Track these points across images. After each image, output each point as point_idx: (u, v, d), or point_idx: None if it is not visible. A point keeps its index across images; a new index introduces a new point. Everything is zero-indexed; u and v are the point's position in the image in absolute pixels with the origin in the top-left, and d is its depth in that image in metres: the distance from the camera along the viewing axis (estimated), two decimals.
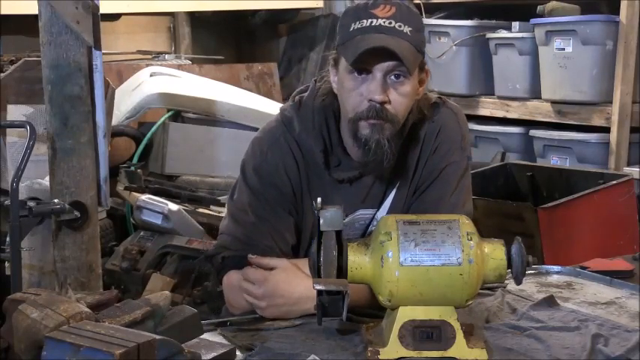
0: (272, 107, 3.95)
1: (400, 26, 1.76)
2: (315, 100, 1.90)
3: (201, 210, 3.58)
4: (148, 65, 4.67)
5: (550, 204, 2.83)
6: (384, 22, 1.76)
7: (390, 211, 1.90)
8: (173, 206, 3.44)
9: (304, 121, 1.89)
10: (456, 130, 1.93)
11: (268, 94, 4.79)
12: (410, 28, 1.77)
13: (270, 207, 1.88)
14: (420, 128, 1.91)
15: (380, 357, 1.47)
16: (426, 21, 4.33)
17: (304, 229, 1.91)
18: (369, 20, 1.76)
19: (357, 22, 1.77)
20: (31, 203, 2.51)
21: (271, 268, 1.78)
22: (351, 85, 1.78)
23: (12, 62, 3.69)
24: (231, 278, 1.85)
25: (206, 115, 4.09)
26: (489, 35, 4.05)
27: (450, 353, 1.47)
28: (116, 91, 3.26)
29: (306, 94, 1.94)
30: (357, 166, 1.87)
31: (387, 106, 1.76)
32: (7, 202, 2.44)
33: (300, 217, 1.91)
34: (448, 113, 1.95)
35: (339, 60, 1.81)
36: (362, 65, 1.75)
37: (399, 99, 1.78)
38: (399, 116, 1.80)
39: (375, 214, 1.92)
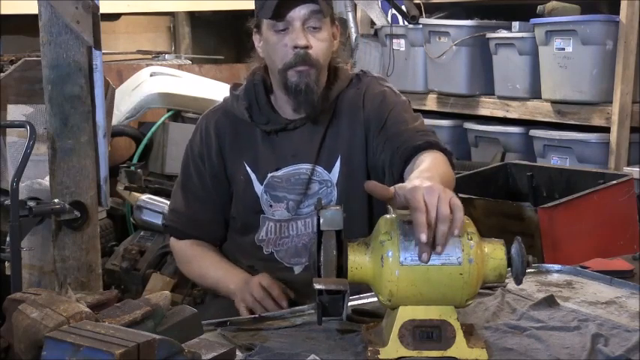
0: None
1: None
2: (251, 75, 2.13)
3: None
4: (148, 65, 4.67)
5: (550, 204, 2.82)
6: None
7: (342, 170, 2.05)
8: None
9: (235, 94, 2.13)
10: (379, 89, 2.10)
11: None
12: None
13: (196, 179, 2.14)
14: (345, 95, 2.09)
15: (380, 357, 1.47)
16: (426, 21, 4.34)
17: (235, 191, 2.12)
18: None
19: None
20: (31, 203, 2.51)
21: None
22: (275, 39, 1.98)
23: (12, 62, 3.70)
24: (171, 243, 2.24)
25: None
26: (489, 35, 4.05)
27: (450, 353, 1.47)
28: (116, 91, 3.26)
29: None
30: (285, 122, 2.07)
31: (310, 52, 1.96)
32: (7, 202, 2.44)
33: (227, 183, 2.12)
34: (370, 80, 2.13)
35: (261, 24, 2.03)
36: (280, 18, 1.95)
37: (319, 44, 1.98)
38: (321, 61, 1.99)
39: (313, 169, 2.06)
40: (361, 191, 1.99)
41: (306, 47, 1.96)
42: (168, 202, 3.48)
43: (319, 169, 2.06)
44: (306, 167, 2.06)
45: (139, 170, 3.83)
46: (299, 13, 1.95)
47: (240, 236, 2.15)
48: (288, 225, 2.08)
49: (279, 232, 2.08)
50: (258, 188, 2.08)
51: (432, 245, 1.41)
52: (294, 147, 2.07)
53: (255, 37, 2.07)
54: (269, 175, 2.07)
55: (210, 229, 2.17)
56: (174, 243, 2.23)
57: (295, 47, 1.95)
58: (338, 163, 2.06)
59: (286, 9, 1.95)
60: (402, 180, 1.78)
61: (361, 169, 2.06)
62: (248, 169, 2.09)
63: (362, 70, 2.18)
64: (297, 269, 2.07)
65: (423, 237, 1.38)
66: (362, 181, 1.99)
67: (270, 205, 2.07)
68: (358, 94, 2.09)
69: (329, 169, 2.06)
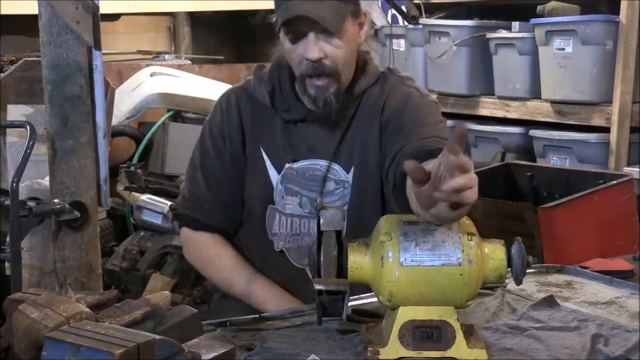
0: None
1: None
2: (276, 60, 2.06)
3: None
4: (148, 65, 4.67)
5: (550, 204, 2.82)
6: None
7: (357, 171, 1.99)
8: None
9: (259, 76, 2.07)
10: (405, 90, 2.01)
11: None
12: None
13: (217, 159, 2.07)
14: (371, 92, 2.02)
15: (380, 357, 1.47)
16: (426, 21, 4.34)
17: (249, 175, 2.05)
18: None
19: None
20: (31, 203, 2.51)
21: None
22: (290, 47, 1.93)
23: (12, 62, 3.70)
24: (185, 234, 2.12)
25: (206, 115, 4.09)
26: (489, 35, 4.05)
27: (450, 353, 1.47)
28: (116, 91, 3.26)
29: None
30: (305, 112, 2.00)
31: (325, 61, 1.90)
32: (7, 202, 2.44)
33: (245, 164, 2.05)
34: (396, 80, 2.05)
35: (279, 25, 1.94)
36: (291, 33, 1.90)
37: (335, 51, 1.90)
38: (339, 67, 1.92)
39: (329, 165, 1.99)
40: (374, 193, 1.99)
41: (320, 59, 1.89)
42: (168, 203, 3.49)
43: (336, 167, 2.00)
44: (322, 163, 2.00)
45: (139, 170, 3.83)
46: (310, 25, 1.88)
47: (247, 227, 2.08)
48: (300, 222, 2.02)
49: (290, 228, 2.02)
50: (275, 177, 2.02)
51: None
52: (311, 140, 2.01)
53: (280, 36, 1.99)
54: (286, 165, 2.01)
55: (230, 216, 2.08)
56: (190, 234, 2.10)
57: (307, 59, 1.90)
58: (354, 164, 2.00)
59: (295, 25, 1.89)
60: (404, 180, 1.72)
61: (375, 170, 1.99)
62: (264, 154, 2.03)
63: (389, 68, 2.10)
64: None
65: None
66: (375, 183, 1.98)
67: (283, 197, 2.02)
68: (382, 93, 2.01)
69: (347, 169, 2.00)
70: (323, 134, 2.00)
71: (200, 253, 2.11)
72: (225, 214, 2.08)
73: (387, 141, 1.94)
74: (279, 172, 2.02)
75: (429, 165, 1.38)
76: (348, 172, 2.00)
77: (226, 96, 2.11)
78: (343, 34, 1.90)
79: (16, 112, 2.90)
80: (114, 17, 5.12)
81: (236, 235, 2.12)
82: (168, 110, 4.25)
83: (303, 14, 1.85)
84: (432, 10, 4.56)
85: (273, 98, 2.02)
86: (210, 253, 2.09)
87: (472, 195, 1.33)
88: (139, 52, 5.14)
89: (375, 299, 1.62)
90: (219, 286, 2.12)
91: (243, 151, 2.05)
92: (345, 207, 1.99)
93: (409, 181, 1.67)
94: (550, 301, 1.77)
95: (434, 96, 4.41)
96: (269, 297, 1.99)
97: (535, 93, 3.90)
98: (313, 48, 1.88)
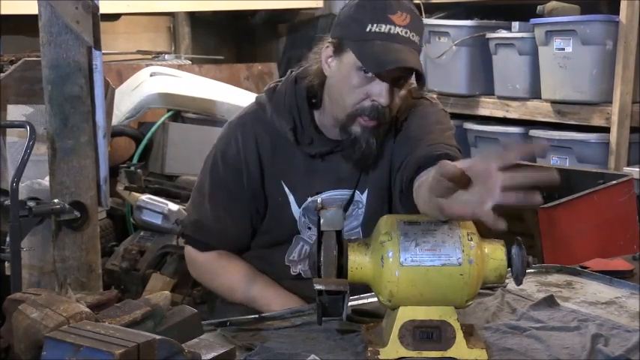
0: None
1: (413, 36, 1.80)
2: (292, 83, 1.95)
3: None
4: (148, 65, 4.67)
5: (550, 204, 2.82)
6: (402, 32, 1.79)
7: (371, 192, 1.95)
8: (173, 206, 3.44)
9: (276, 104, 1.95)
10: (412, 102, 1.96)
11: None
12: (418, 37, 1.82)
13: (229, 192, 1.99)
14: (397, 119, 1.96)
15: (380, 357, 1.47)
16: (426, 21, 4.33)
17: (270, 209, 1.99)
18: (388, 27, 1.78)
19: (375, 25, 1.78)
20: (31, 203, 2.50)
21: None
22: (357, 83, 1.81)
23: (12, 62, 3.69)
24: (189, 254, 2.08)
25: (206, 115, 4.10)
26: (489, 35, 4.05)
27: (450, 353, 1.47)
28: (116, 91, 3.26)
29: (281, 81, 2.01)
30: (330, 144, 1.93)
31: (387, 108, 1.82)
32: (7, 202, 2.44)
33: (264, 199, 1.98)
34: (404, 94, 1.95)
35: (344, 49, 1.83)
36: (374, 73, 1.79)
37: (398, 101, 1.86)
38: (393, 113, 1.87)
39: (353, 194, 1.96)
40: (384, 208, 1.96)
41: (388, 106, 1.82)
42: (168, 203, 3.49)
43: (357, 192, 1.97)
44: (347, 192, 1.96)
45: (139, 170, 3.82)
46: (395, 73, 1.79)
47: (266, 250, 2.05)
48: None
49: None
50: (296, 211, 1.97)
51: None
52: (339, 171, 1.95)
53: (327, 52, 1.87)
54: (309, 199, 1.95)
55: (237, 242, 2.05)
56: (195, 255, 2.07)
57: (374, 100, 1.81)
58: (369, 185, 1.97)
59: (389, 64, 1.76)
60: (410, 185, 1.71)
61: (386, 185, 1.96)
62: (286, 189, 1.97)
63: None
64: None
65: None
66: (388, 200, 1.96)
67: (309, 228, 1.97)
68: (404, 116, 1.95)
69: (362, 191, 1.97)
70: (349, 164, 1.94)
71: (205, 269, 2.08)
72: (232, 241, 2.05)
73: (395, 151, 1.91)
74: (299, 206, 1.97)
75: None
76: (362, 193, 1.97)
77: (241, 124, 2.00)
78: (408, 85, 1.86)
79: (16, 112, 2.90)
80: (114, 17, 5.12)
81: (247, 253, 2.08)
82: (168, 110, 4.24)
83: (408, 65, 1.76)
84: (432, 10, 4.56)
85: (296, 134, 1.93)
86: (215, 266, 2.06)
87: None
88: (138, 52, 5.13)
89: (375, 299, 1.62)
90: (225, 296, 2.08)
91: (261, 186, 1.98)
92: (359, 228, 1.98)
93: (416, 184, 1.66)
94: (550, 301, 1.77)
95: (434, 96, 4.42)
96: (273, 299, 1.98)
97: (535, 93, 3.90)
98: (388, 95, 1.80)
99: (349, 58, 1.81)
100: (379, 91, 1.79)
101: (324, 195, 1.94)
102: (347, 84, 1.83)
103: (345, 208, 1.94)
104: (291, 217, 1.98)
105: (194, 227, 2.05)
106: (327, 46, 1.87)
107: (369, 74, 1.79)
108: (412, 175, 1.73)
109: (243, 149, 1.97)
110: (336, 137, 1.92)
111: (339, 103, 1.86)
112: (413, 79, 1.87)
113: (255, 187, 1.98)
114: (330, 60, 1.87)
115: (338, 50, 1.85)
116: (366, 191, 1.97)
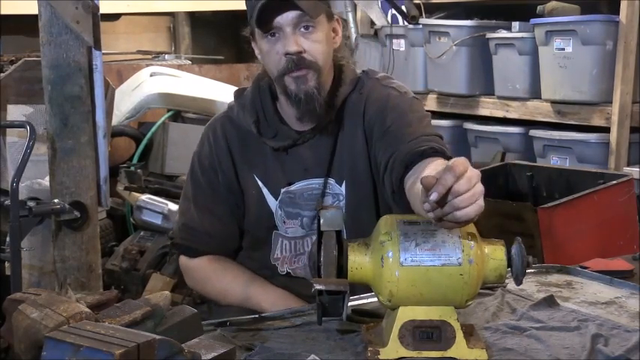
0: None
1: None
2: (256, 81, 2.05)
3: None
4: (148, 65, 4.67)
5: (550, 204, 2.82)
6: None
7: (349, 183, 1.98)
8: (173, 206, 3.44)
9: (242, 101, 2.04)
10: (383, 92, 1.98)
11: None
12: None
13: (209, 192, 2.06)
14: (349, 100, 1.99)
15: (380, 357, 1.47)
16: (426, 21, 4.34)
17: (247, 204, 2.04)
18: None
19: None
20: (31, 203, 2.51)
21: None
22: (267, 47, 1.91)
23: (12, 62, 3.69)
24: (183, 263, 2.12)
25: (206, 115, 4.10)
26: (489, 35, 4.05)
27: (449, 353, 1.47)
28: (116, 91, 3.26)
29: None
30: (294, 136, 1.98)
31: (304, 55, 1.87)
32: (7, 202, 2.44)
33: (241, 194, 2.04)
34: (373, 83, 2.02)
35: (255, 32, 1.94)
36: (268, 25, 1.87)
37: (313, 45, 1.88)
38: (319, 62, 1.90)
39: (325, 183, 1.99)
40: (368, 201, 1.98)
41: (299, 52, 1.86)
42: (168, 203, 3.50)
43: (331, 181, 1.99)
44: (318, 182, 1.99)
45: (138, 170, 3.83)
46: (286, 17, 1.85)
47: (252, 252, 2.07)
48: (302, 242, 2.01)
49: (294, 250, 2.02)
50: (273, 203, 2.01)
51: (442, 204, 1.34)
52: (304, 162, 1.99)
53: (253, 44, 1.99)
54: (282, 190, 1.99)
55: (226, 243, 2.08)
56: (187, 262, 2.10)
57: (287, 54, 1.86)
58: (346, 176, 1.99)
59: (271, 15, 1.85)
60: (401, 187, 1.73)
61: (366, 177, 1.97)
62: (259, 182, 2.01)
63: (364, 71, 2.06)
64: None
65: (434, 196, 1.32)
66: (368, 191, 1.98)
67: (284, 222, 2.01)
68: (360, 99, 1.98)
69: (340, 182, 1.99)
70: (314, 153, 1.98)
71: (197, 274, 2.10)
72: (221, 243, 2.08)
73: (376, 147, 1.92)
74: (276, 198, 2.01)
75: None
76: (340, 185, 1.99)
77: (212, 126, 2.08)
78: (320, 29, 1.89)
79: (16, 112, 2.91)
80: (114, 17, 5.13)
81: (237, 257, 2.11)
82: (168, 110, 4.25)
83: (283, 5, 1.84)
84: (432, 10, 4.57)
85: (258, 127, 1.99)
86: (207, 271, 2.08)
87: (471, 211, 1.34)
88: (138, 52, 5.14)
89: (375, 299, 1.62)
90: (219, 300, 2.09)
91: (236, 181, 2.03)
92: None
93: (407, 184, 1.68)
94: (550, 301, 1.77)
95: (434, 96, 4.43)
96: (265, 297, 1.99)
97: (535, 93, 3.90)
98: (291, 41, 1.86)
99: (257, 33, 1.93)
100: (284, 42, 1.86)
101: (296, 185, 2.00)
102: (264, 54, 1.93)
103: (322, 197, 1.99)
104: (268, 211, 2.02)
105: (183, 234, 2.09)
106: (251, 39, 1.99)
107: (275, 36, 1.87)
108: (401, 175, 1.75)
109: (215, 148, 2.04)
110: (299, 127, 1.98)
111: (272, 78, 1.95)
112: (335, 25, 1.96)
113: (229, 181, 2.04)
114: (256, 51, 1.99)
115: (253, 36, 1.97)
116: (344, 182, 1.99)
